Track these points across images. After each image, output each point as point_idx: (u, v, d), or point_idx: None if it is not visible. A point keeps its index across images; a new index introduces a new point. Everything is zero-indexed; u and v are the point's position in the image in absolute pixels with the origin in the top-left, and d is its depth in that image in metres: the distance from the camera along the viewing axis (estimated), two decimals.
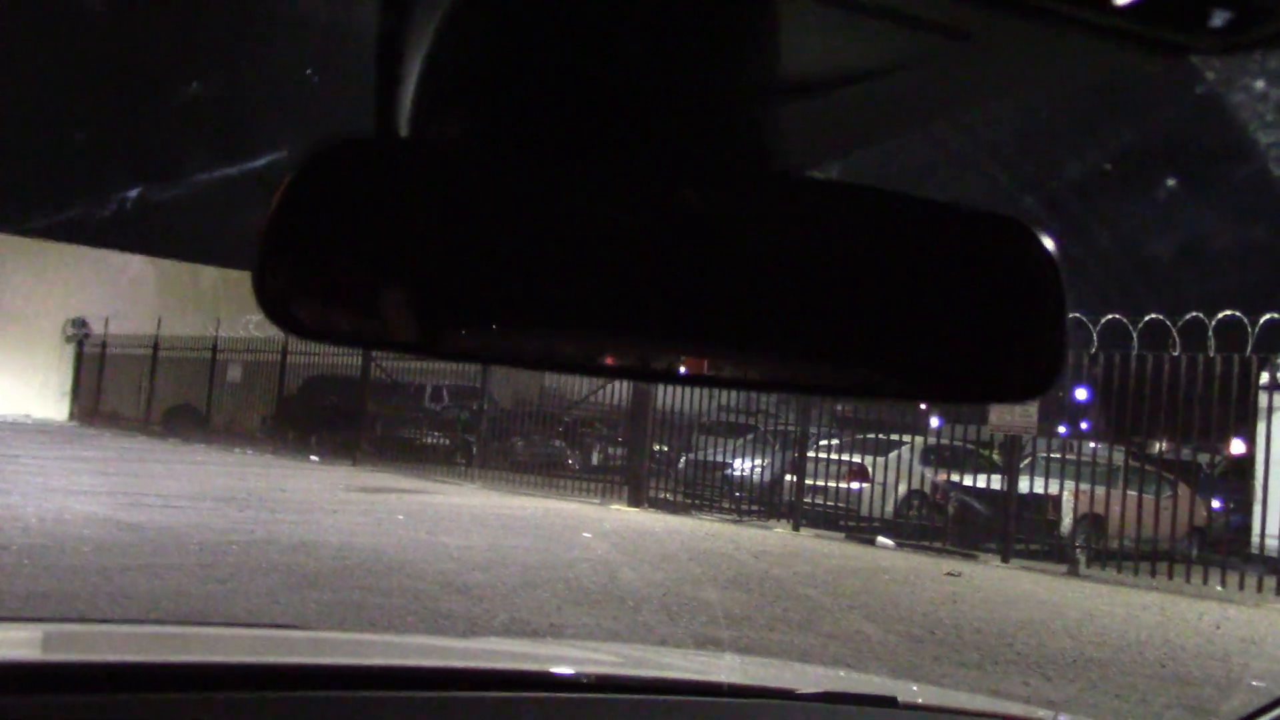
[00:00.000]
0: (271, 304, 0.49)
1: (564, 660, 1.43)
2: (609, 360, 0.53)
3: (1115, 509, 15.37)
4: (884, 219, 0.55)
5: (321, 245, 0.50)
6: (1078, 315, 13.74)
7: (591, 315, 0.52)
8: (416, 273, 0.51)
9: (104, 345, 32.73)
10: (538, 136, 0.54)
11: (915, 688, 2.48)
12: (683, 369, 0.56)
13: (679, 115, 0.55)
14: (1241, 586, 13.56)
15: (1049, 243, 0.55)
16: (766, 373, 0.55)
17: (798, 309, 0.54)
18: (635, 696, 1.28)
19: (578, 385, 22.28)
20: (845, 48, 0.49)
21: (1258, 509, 14.30)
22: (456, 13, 0.48)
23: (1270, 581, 13.36)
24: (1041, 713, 1.50)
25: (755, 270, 0.54)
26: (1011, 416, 15.79)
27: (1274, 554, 13.63)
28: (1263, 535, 13.93)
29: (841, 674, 2.87)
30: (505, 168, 0.52)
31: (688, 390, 18.68)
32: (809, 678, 1.94)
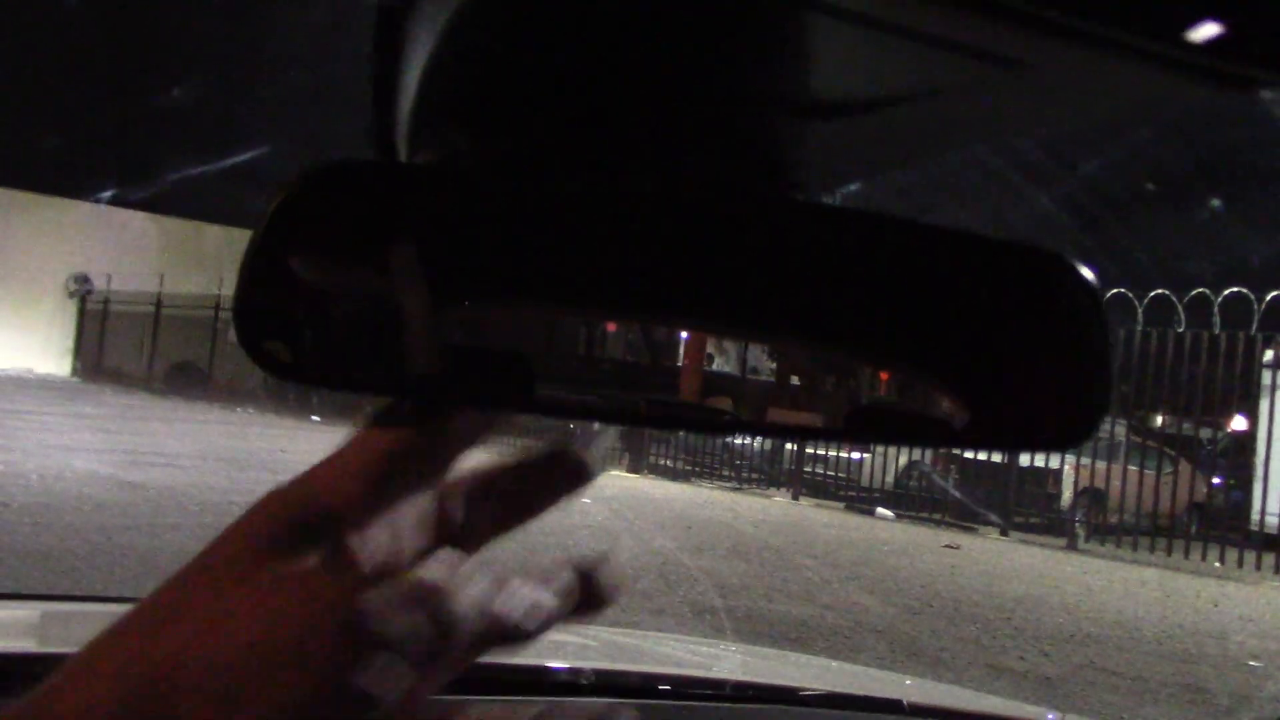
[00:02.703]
0: (253, 340, 0.45)
1: (557, 652, 1.39)
2: (629, 405, 0.50)
3: (1115, 484, 15.38)
4: (916, 251, 0.51)
5: (312, 276, 0.46)
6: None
7: (609, 357, 0.48)
8: (411, 307, 0.48)
9: (106, 301, 32.69)
10: (548, 158, 0.50)
11: (911, 683, 2.46)
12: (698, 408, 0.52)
13: (695, 137, 0.52)
14: (1240, 564, 13.57)
15: (1091, 277, 0.51)
16: (789, 418, 0.52)
17: (822, 347, 0.50)
18: (632, 701, 1.26)
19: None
20: (883, 67, 0.45)
21: (1258, 486, 14.29)
22: (457, 30, 0.45)
23: (1269, 559, 13.37)
24: (1050, 714, 1.48)
25: (781, 306, 0.50)
26: None
27: (1273, 531, 13.63)
28: (1263, 513, 13.93)
29: (839, 666, 2.85)
30: (513, 192, 0.49)
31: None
32: (811, 672, 1.92)
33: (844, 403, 0.52)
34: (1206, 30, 0.36)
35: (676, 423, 0.52)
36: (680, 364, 0.50)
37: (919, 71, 0.45)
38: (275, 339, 0.46)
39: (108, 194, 35.41)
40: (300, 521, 0.46)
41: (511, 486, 0.51)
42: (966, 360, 0.51)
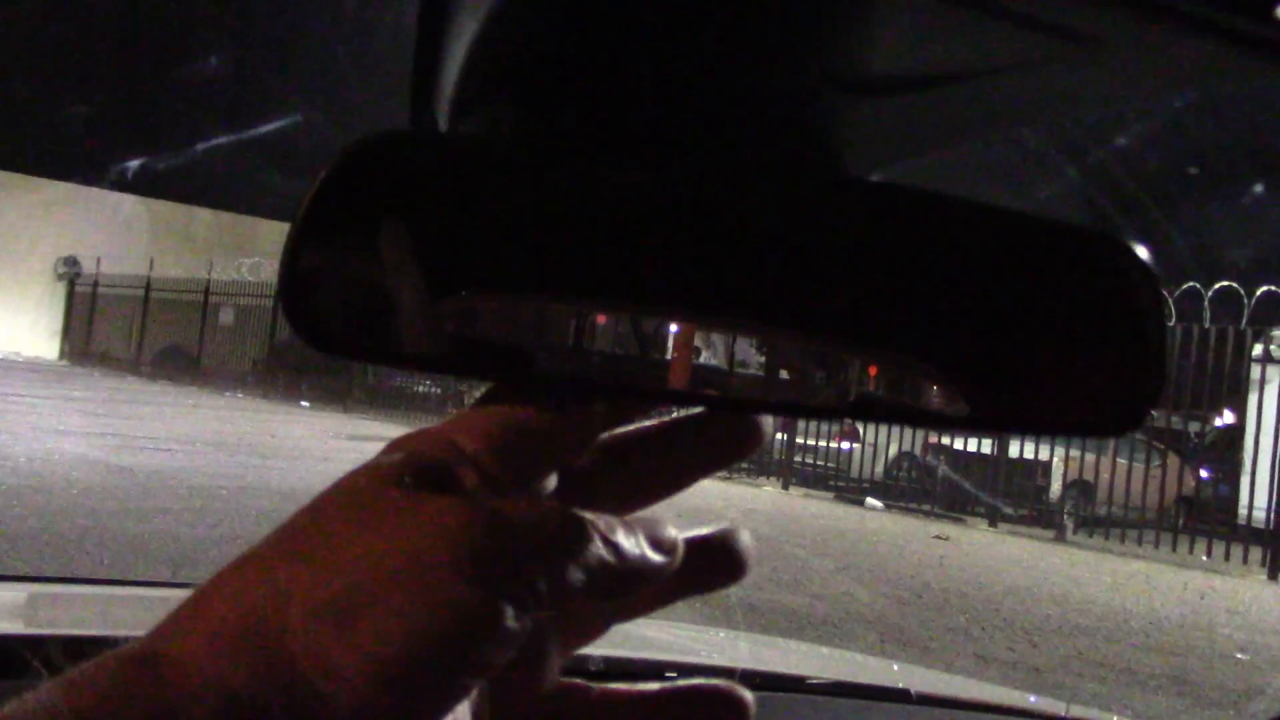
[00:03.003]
0: (304, 319, 0.44)
1: None
2: (666, 381, 0.49)
3: (1104, 476, 15.43)
4: (969, 231, 0.50)
5: (361, 249, 0.45)
6: None
7: (647, 333, 0.47)
8: (461, 282, 0.47)
9: (95, 285, 32.55)
10: (592, 129, 0.49)
11: (918, 674, 2.46)
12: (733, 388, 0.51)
13: (742, 111, 0.50)
14: (1227, 557, 13.63)
15: (1149, 262, 0.50)
16: (830, 399, 0.51)
17: (867, 327, 0.49)
18: (641, 685, 1.25)
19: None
20: (951, 43, 0.44)
21: (1245, 480, 14.35)
22: (501, 4, 0.43)
23: (1255, 553, 13.43)
24: (1056, 704, 1.48)
25: (820, 283, 0.49)
26: None
27: (1260, 525, 13.69)
28: (1250, 506, 13.98)
29: (843, 654, 2.85)
30: (555, 165, 0.47)
31: None
32: (815, 661, 1.91)
33: (881, 386, 0.51)
34: None
35: (695, 399, 0.51)
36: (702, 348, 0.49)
37: (983, 47, 0.44)
38: (321, 313, 0.45)
39: (129, 168, 35.24)
40: (423, 461, 0.44)
41: (659, 450, 0.52)
42: (1015, 345, 0.50)
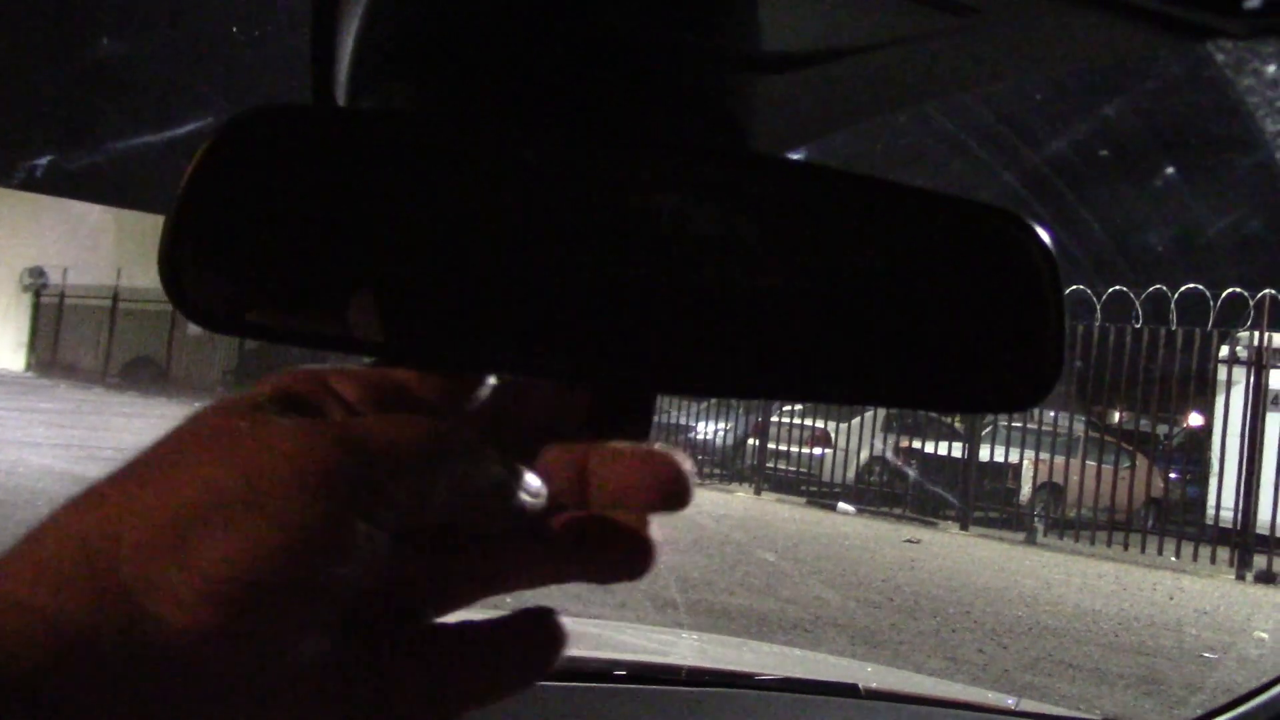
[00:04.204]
0: (179, 290, 0.43)
1: None
2: (583, 363, 0.48)
3: (1074, 479, 15.52)
4: (869, 207, 0.50)
5: (241, 225, 0.44)
6: None
7: (555, 311, 0.46)
8: (349, 258, 0.46)
9: (62, 296, 32.23)
10: (493, 105, 0.49)
11: (872, 670, 2.47)
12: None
13: (649, 85, 0.50)
14: (1195, 558, 13.73)
15: (1048, 239, 0.50)
16: (744, 378, 0.50)
17: (773, 305, 0.49)
18: (587, 685, 1.24)
19: None
20: (838, 18, 0.44)
21: (1213, 481, 14.46)
22: None
23: (1223, 553, 13.53)
24: (1005, 699, 1.48)
25: (726, 261, 0.49)
26: None
27: (1228, 526, 13.80)
28: (1218, 507, 14.10)
29: (799, 653, 2.85)
30: (456, 140, 0.47)
31: None
32: (768, 658, 1.91)
33: (800, 364, 0.50)
34: None
35: (636, 380, 0.50)
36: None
37: (870, 21, 0.44)
38: (205, 288, 0.44)
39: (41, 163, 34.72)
40: (285, 391, 0.43)
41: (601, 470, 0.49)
42: (918, 320, 0.50)
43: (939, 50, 0.44)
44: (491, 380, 0.48)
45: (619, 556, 0.50)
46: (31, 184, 34.34)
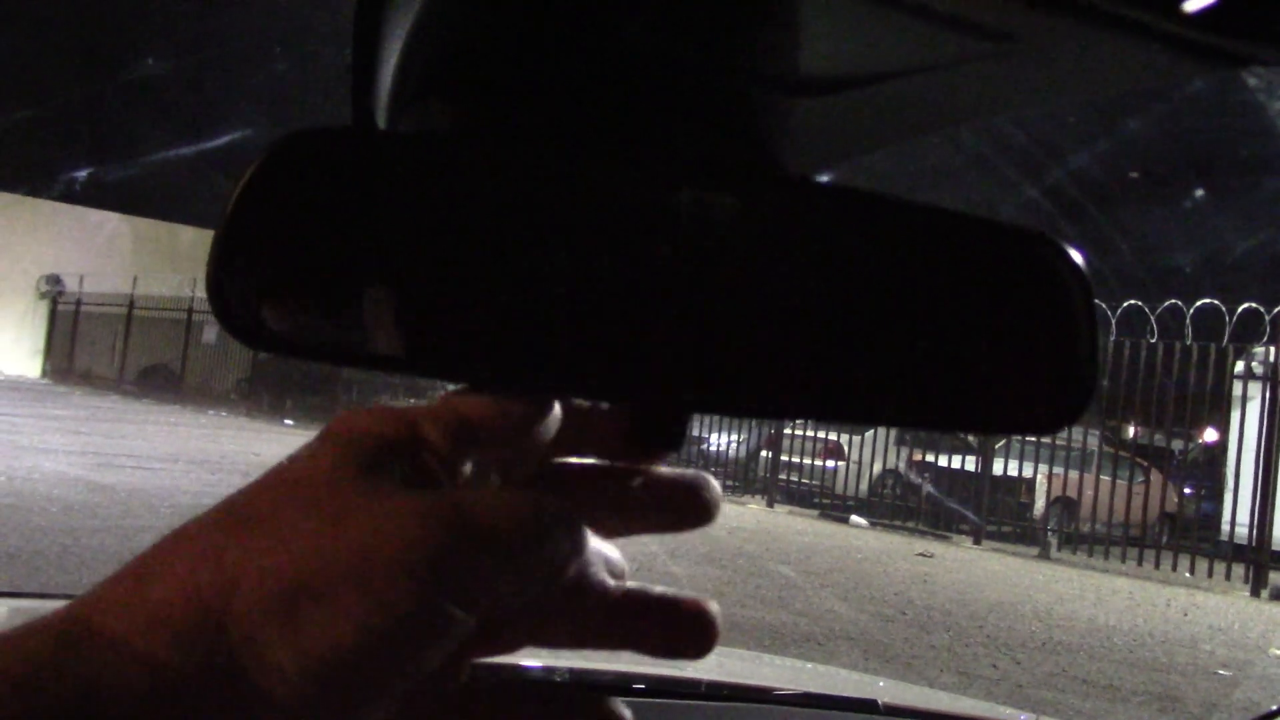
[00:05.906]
0: (230, 313, 0.44)
1: (531, 651, 1.39)
2: (614, 382, 0.48)
3: (1088, 493, 15.46)
4: (901, 230, 0.50)
5: (288, 246, 0.45)
6: None
7: (589, 331, 0.47)
8: (394, 278, 0.47)
9: (78, 303, 32.40)
10: (531, 127, 0.49)
11: (886, 684, 2.46)
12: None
13: (684, 108, 0.51)
14: (1210, 574, 13.66)
15: (1080, 260, 0.50)
16: (774, 398, 0.51)
17: (806, 328, 0.50)
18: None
19: None
20: (875, 43, 0.45)
21: (1228, 497, 14.39)
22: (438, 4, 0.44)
23: (1238, 569, 13.46)
24: (1020, 715, 1.47)
25: (761, 283, 0.49)
26: None
27: (1243, 542, 13.73)
28: (1233, 523, 14.02)
29: (813, 667, 2.84)
30: (495, 163, 0.48)
31: None
32: (783, 672, 1.91)
33: (831, 386, 0.51)
34: (1201, 1, 0.36)
35: (665, 400, 0.50)
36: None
37: (904, 47, 0.45)
38: (251, 309, 0.45)
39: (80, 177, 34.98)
40: (377, 451, 0.44)
41: (608, 493, 0.51)
42: (951, 342, 0.50)
43: (975, 75, 0.45)
44: (556, 409, 0.48)
45: (683, 638, 0.52)
46: (70, 196, 34.63)
